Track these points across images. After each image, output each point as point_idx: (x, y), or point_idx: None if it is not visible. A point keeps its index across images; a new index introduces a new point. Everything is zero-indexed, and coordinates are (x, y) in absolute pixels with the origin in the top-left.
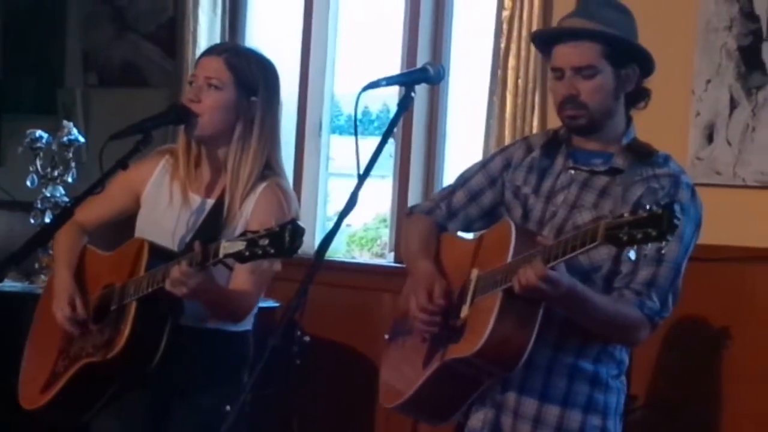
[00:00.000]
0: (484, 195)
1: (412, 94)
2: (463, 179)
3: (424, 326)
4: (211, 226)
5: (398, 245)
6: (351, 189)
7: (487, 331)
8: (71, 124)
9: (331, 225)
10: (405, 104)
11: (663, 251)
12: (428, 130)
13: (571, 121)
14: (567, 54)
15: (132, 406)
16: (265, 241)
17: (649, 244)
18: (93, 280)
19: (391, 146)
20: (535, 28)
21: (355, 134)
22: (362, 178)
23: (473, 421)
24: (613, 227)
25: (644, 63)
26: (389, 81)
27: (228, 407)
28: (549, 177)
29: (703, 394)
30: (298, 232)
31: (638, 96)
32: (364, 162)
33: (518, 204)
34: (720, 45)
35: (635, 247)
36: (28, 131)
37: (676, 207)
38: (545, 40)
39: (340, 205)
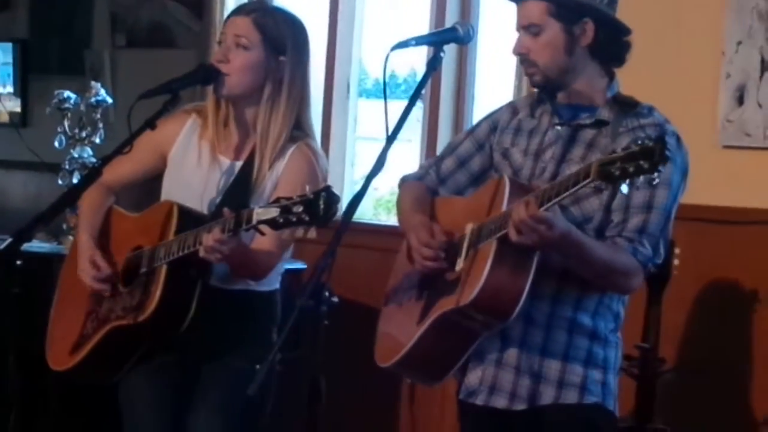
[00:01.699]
0: (473, 160)
1: (441, 54)
2: (451, 147)
3: (429, 262)
4: (241, 187)
5: None
6: (377, 153)
7: (482, 279)
8: (99, 84)
9: (358, 188)
10: (434, 64)
11: (655, 182)
12: (456, 93)
13: (529, 79)
14: (517, 14)
15: (160, 367)
16: (299, 208)
17: (641, 178)
18: (120, 241)
19: (417, 110)
20: None
21: (384, 95)
22: (390, 139)
23: (471, 378)
24: (606, 163)
25: (599, 17)
26: (419, 41)
27: (258, 366)
28: (536, 135)
29: (732, 357)
30: (332, 200)
31: (611, 51)
32: (391, 124)
33: (507, 164)
34: (751, 6)
35: (627, 181)
36: (56, 92)
37: (668, 139)
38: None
39: (366, 169)
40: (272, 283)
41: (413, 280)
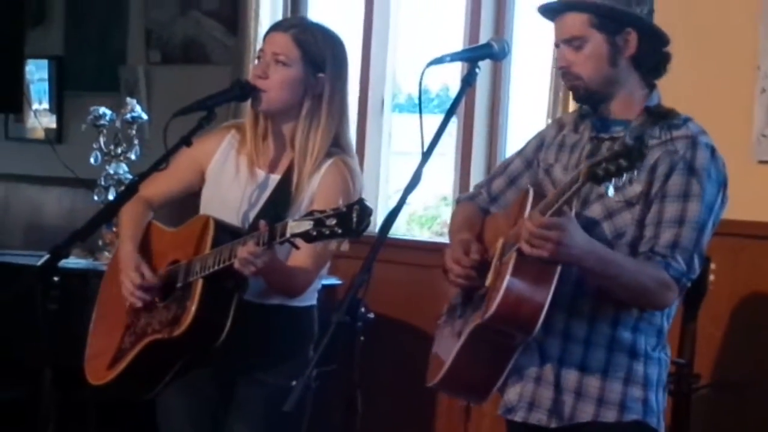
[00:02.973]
0: (522, 178)
1: (477, 70)
2: (503, 166)
3: (459, 279)
4: (278, 201)
5: None
6: (410, 167)
7: (501, 292)
8: (134, 101)
9: (392, 204)
10: (469, 80)
11: (686, 196)
12: (490, 108)
13: (572, 93)
14: (557, 28)
15: (197, 383)
16: (332, 221)
17: (624, 177)
18: (158, 256)
19: (451, 125)
20: None
21: (419, 110)
22: (426, 155)
23: (510, 395)
24: (594, 164)
25: (642, 26)
26: (454, 57)
27: (294, 383)
28: (576, 150)
29: None
30: (365, 212)
31: (652, 61)
32: (426, 139)
33: (548, 181)
34: None
35: (612, 181)
36: (92, 108)
37: (646, 138)
38: (547, 17)
39: (399, 184)
40: (309, 299)
41: (458, 299)
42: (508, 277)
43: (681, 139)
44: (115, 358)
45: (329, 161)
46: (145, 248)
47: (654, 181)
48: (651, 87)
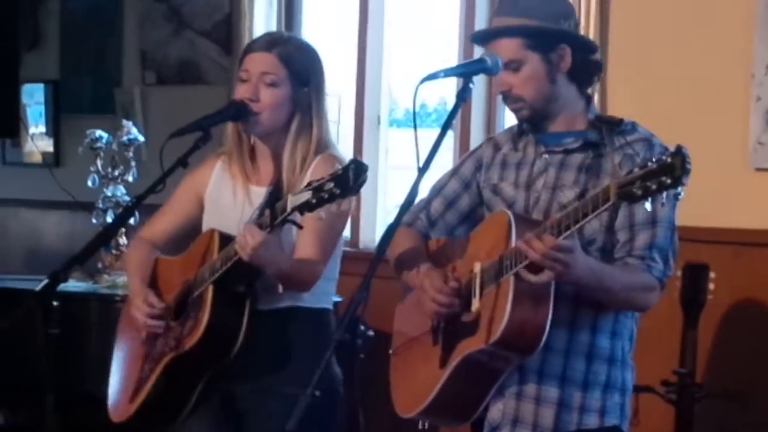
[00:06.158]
0: (461, 199)
1: (471, 85)
2: (437, 189)
3: (444, 308)
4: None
5: None
6: (407, 182)
7: (505, 317)
8: (131, 123)
9: (390, 219)
10: (464, 95)
11: (681, 196)
12: (487, 122)
13: (516, 114)
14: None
15: (216, 403)
16: (330, 185)
17: (664, 194)
18: (169, 283)
19: (448, 139)
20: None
21: (414, 126)
22: (422, 170)
23: (493, 413)
24: (625, 184)
25: (574, 41)
26: (447, 72)
27: (318, 393)
28: (524, 167)
29: None
30: (361, 168)
31: (587, 72)
32: (422, 155)
33: (500, 199)
34: None
35: (650, 199)
36: (88, 131)
37: (685, 151)
38: (480, 44)
39: (397, 199)
40: (323, 300)
41: (425, 327)
42: (510, 302)
43: (637, 142)
44: (137, 390)
45: (317, 158)
46: (155, 283)
47: None
48: (587, 98)
